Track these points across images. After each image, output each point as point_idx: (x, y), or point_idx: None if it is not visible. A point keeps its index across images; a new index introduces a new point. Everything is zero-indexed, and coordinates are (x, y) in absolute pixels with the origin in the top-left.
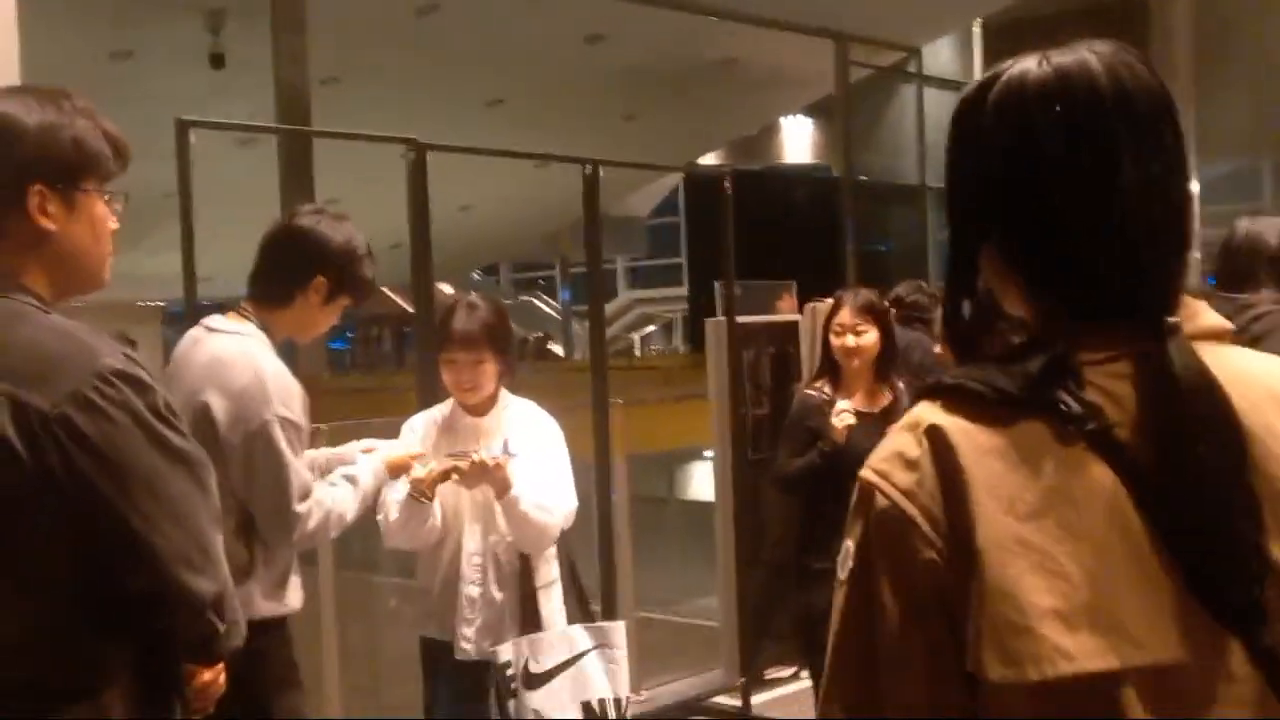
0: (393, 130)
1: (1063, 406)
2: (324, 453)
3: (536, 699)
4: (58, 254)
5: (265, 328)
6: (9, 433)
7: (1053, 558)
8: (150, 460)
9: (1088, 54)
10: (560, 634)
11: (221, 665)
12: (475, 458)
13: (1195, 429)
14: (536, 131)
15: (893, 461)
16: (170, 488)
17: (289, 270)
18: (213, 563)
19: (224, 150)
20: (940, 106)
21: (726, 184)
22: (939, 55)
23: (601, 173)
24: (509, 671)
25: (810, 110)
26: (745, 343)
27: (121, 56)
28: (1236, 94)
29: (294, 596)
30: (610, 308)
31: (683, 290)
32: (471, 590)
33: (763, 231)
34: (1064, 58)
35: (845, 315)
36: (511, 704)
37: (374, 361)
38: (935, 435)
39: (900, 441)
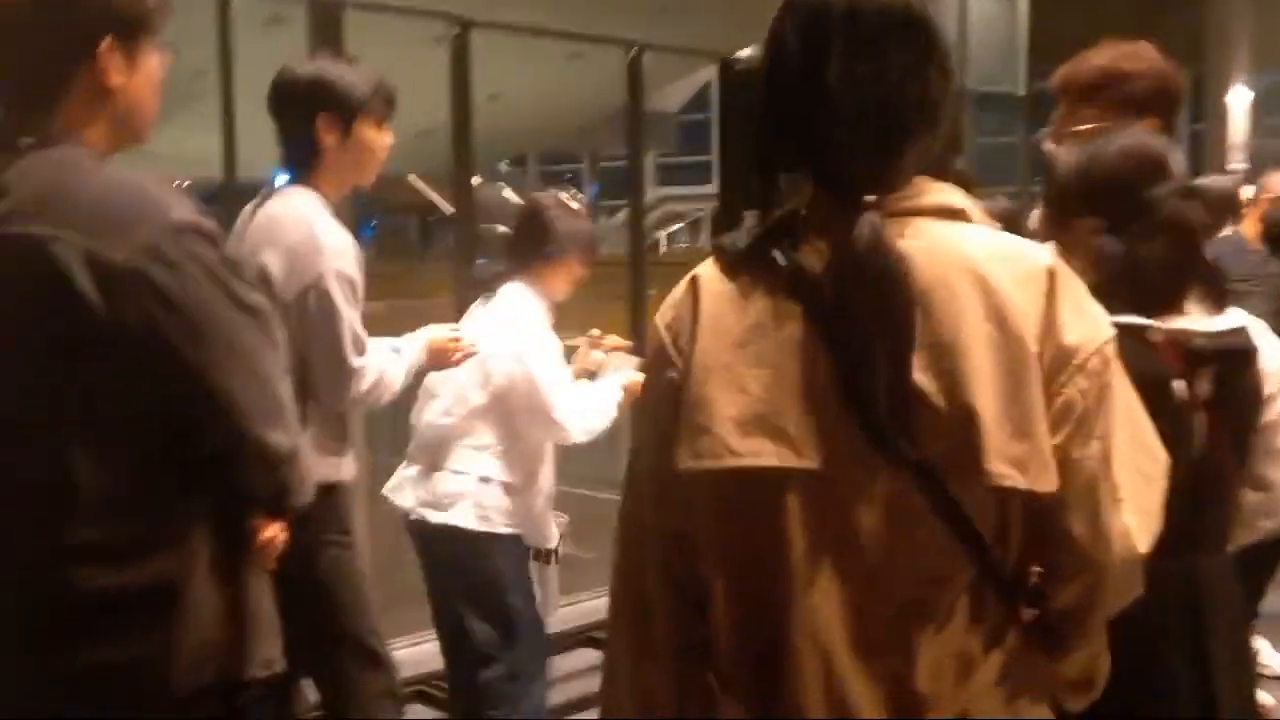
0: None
1: (775, 260)
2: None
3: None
4: (118, 109)
5: (315, 186)
6: (85, 287)
7: (743, 378)
8: (224, 314)
9: None
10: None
11: (285, 521)
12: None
13: (860, 282)
14: (569, 18)
15: (669, 302)
16: (244, 341)
17: (300, 120)
18: (286, 416)
19: (253, 31)
20: (983, 8)
21: None
22: None
23: (616, 58)
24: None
25: None
26: None
27: None
28: None
29: (348, 466)
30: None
31: (711, 188)
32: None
33: None
34: None
35: None
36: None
37: (399, 249)
38: (693, 282)
39: (678, 288)
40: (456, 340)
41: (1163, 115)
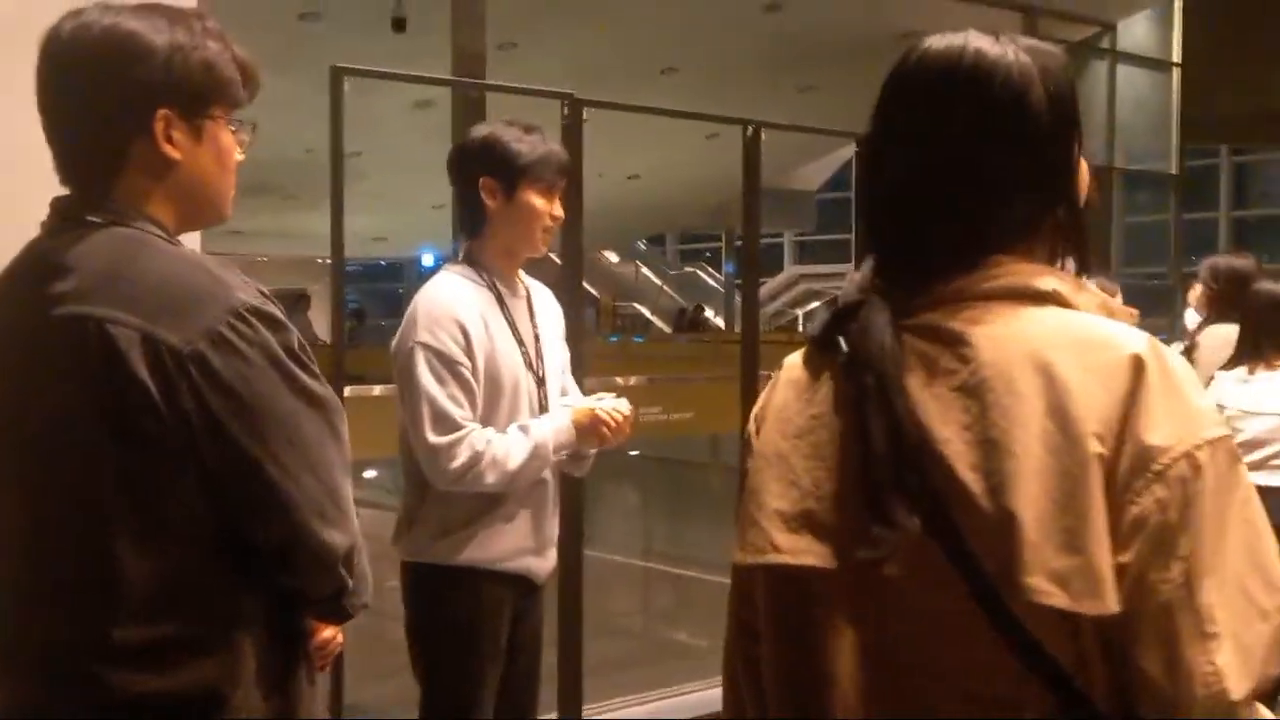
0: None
1: (839, 347)
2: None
3: None
4: (182, 184)
5: (479, 256)
6: (141, 373)
7: (796, 470)
8: (285, 404)
9: (928, 45)
10: None
11: (342, 624)
12: None
13: (862, 371)
14: (709, 101)
15: (765, 391)
16: (305, 433)
17: (467, 183)
18: (344, 514)
19: (402, 116)
20: (1135, 86)
21: None
22: (1135, 31)
23: (769, 141)
24: None
25: None
26: None
27: (309, 18)
28: None
29: (480, 549)
30: (775, 282)
31: (851, 266)
32: None
33: None
34: (915, 48)
35: None
36: None
37: None
38: (779, 369)
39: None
40: (604, 412)
41: None
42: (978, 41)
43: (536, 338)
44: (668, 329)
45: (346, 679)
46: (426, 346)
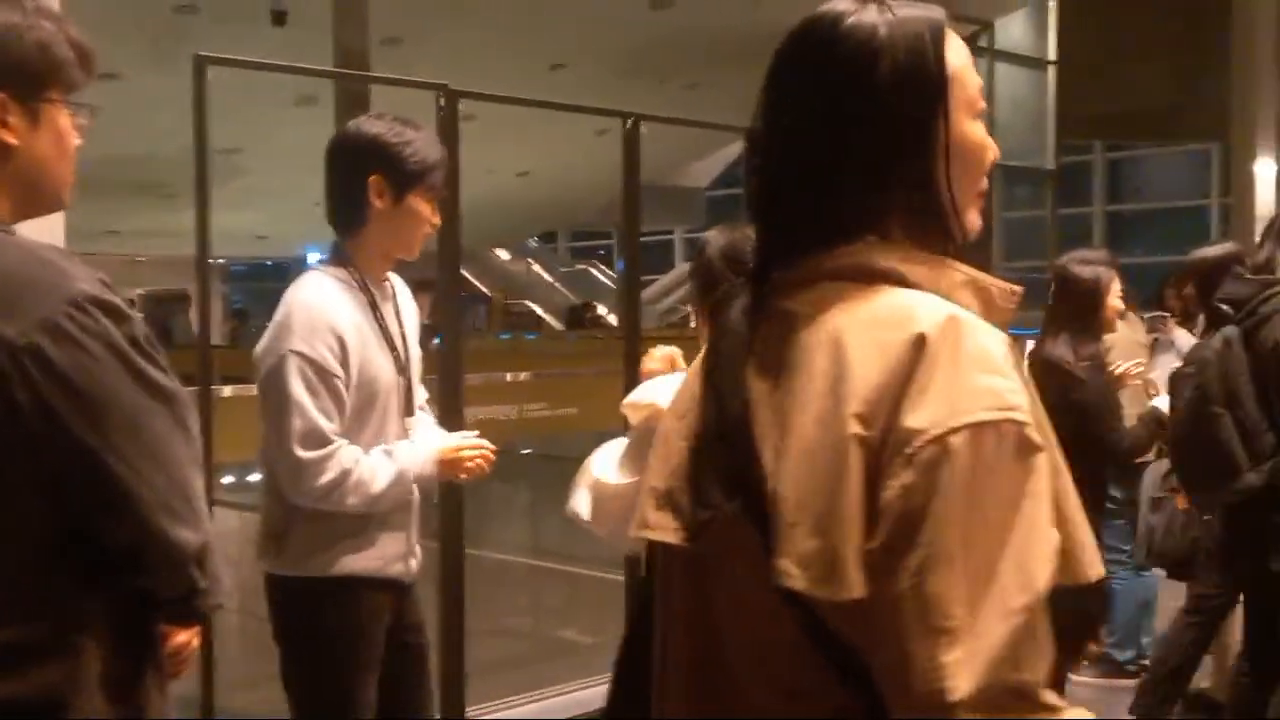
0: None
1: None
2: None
3: None
4: (19, 171)
5: (352, 255)
6: None
7: (671, 450)
8: (129, 397)
9: (811, 15)
10: None
11: (198, 627)
12: None
13: (709, 360)
14: (597, 97)
15: None
16: (150, 427)
17: (353, 178)
18: (195, 511)
19: (284, 112)
20: (1013, 83)
21: None
22: (1011, 31)
23: (658, 139)
24: None
25: None
26: None
27: (185, 10)
28: None
29: (361, 559)
30: (667, 279)
31: None
32: None
33: None
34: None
35: None
36: None
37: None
38: None
39: None
40: (469, 448)
41: None
42: (841, 6)
43: (404, 339)
44: (560, 326)
45: (217, 685)
46: (301, 355)
